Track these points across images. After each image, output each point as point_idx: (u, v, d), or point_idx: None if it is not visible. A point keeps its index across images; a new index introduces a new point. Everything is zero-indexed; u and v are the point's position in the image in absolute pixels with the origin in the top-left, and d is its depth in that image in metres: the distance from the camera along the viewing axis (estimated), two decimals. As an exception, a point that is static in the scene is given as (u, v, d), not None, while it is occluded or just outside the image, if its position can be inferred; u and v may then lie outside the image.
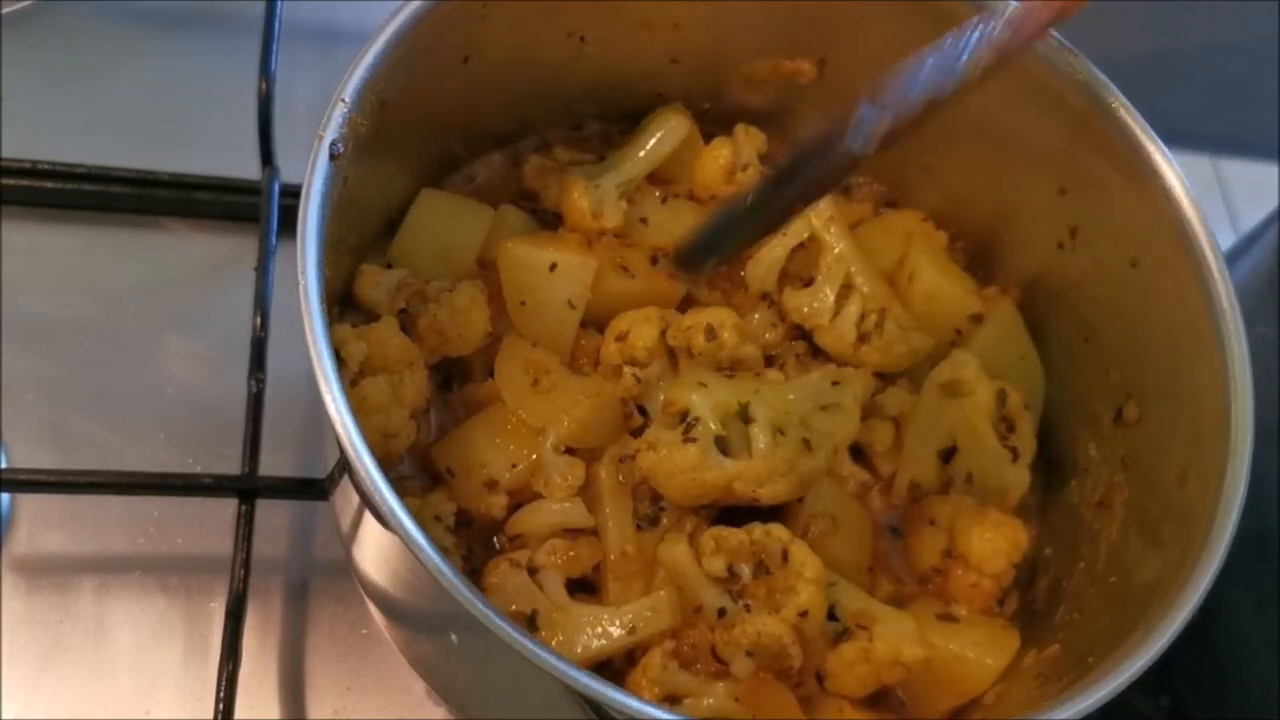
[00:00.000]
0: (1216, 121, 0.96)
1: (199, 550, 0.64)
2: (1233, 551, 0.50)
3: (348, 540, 0.57)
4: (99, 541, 0.63)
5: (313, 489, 0.61)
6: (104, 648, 0.61)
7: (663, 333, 0.60)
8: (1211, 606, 0.49)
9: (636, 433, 0.59)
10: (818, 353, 0.64)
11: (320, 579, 0.65)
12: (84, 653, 0.61)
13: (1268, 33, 0.96)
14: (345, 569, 0.64)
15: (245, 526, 0.61)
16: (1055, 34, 0.59)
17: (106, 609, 0.62)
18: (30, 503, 0.63)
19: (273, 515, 0.64)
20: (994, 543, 0.59)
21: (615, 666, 0.55)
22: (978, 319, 0.65)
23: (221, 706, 0.56)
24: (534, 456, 0.57)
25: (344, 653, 0.63)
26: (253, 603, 0.60)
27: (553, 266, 0.60)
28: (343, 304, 0.60)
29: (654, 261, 0.64)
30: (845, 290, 0.63)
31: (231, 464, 0.62)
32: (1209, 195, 0.91)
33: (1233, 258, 0.73)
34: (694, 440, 0.55)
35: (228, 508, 0.62)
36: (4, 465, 0.64)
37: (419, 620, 0.56)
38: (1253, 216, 0.85)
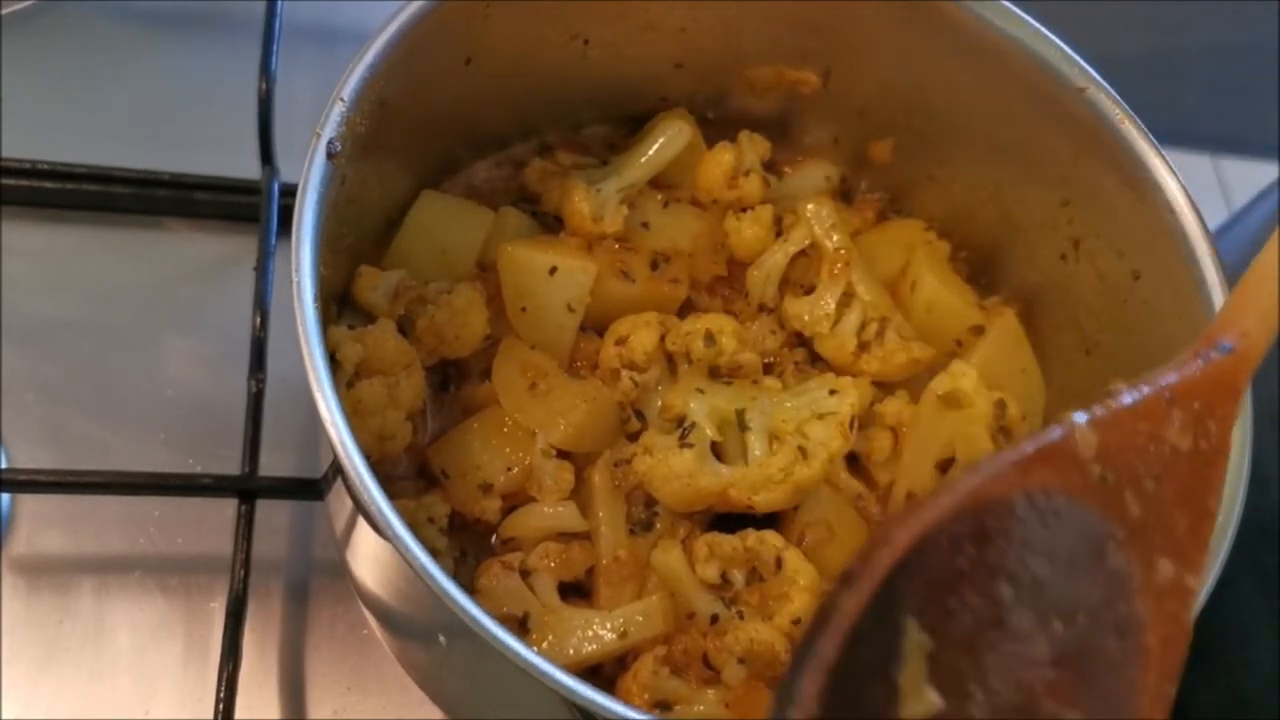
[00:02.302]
0: (1216, 121, 0.96)
1: (199, 550, 0.64)
2: (1234, 552, 0.50)
3: (342, 542, 0.57)
4: (99, 541, 0.64)
5: (312, 489, 0.61)
6: (104, 648, 0.61)
7: (662, 338, 0.60)
8: (1212, 606, 0.48)
9: (633, 437, 0.59)
10: (817, 360, 0.64)
11: (320, 579, 0.65)
12: (84, 653, 0.61)
13: (1268, 33, 0.95)
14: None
15: (245, 527, 0.61)
16: (1059, 42, 0.58)
17: (106, 609, 0.62)
18: (30, 503, 0.64)
19: (273, 515, 0.65)
20: (990, 554, 0.59)
21: (606, 672, 0.55)
22: (979, 330, 0.65)
23: (221, 707, 0.56)
24: (529, 460, 0.57)
25: (344, 653, 0.64)
26: (252, 603, 0.60)
27: (553, 270, 0.60)
28: (341, 303, 0.60)
29: (654, 266, 0.64)
30: (846, 299, 0.63)
31: (231, 464, 0.63)
32: (1209, 194, 0.91)
33: (1223, 231, 0.73)
34: (690, 446, 0.55)
35: (228, 508, 0.62)
36: (4, 465, 0.64)
37: (410, 622, 0.56)
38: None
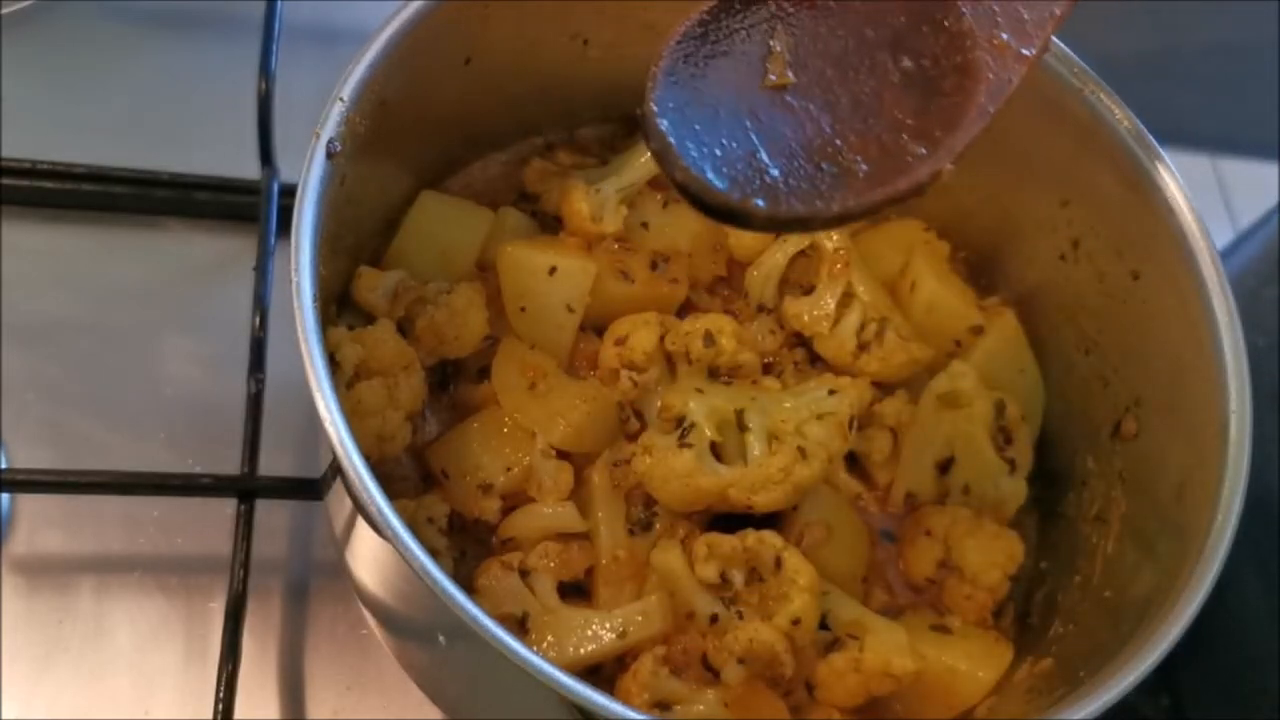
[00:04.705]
0: (1216, 121, 0.96)
1: (199, 550, 0.64)
2: (1235, 552, 0.50)
3: (341, 542, 0.58)
4: (99, 541, 0.64)
5: (312, 489, 0.61)
6: (104, 648, 0.61)
7: (661, 338, 0.60)
8: (1214, 606, 0.49)
9: (633, 437, 0.59)
10: (816, 360, 0.64)
11: (320, 579, 0.65)
12: (84, 653, 0.61)
13: (1268, 33, 0.95)
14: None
15: (244, 527, 0.61)
16: (1059, 42, 0.58)
17: (106, 609, 0.62)
18: (30, 503, 0.64)
19: (272, 515, 0.65)
20: (990, 555, 0.59)
21: (606, 672, 0.55)
22: (978, 330, 0.65)
23: (221, 706, 0.57)
24: (528, 460, 0.57)
25: (344, 653, 0.64)
26: (252, 603, 0.60)
27: (552, 270, 0.60)
28: (341, 304, 0.60)
29: (654, 266, 0.64)
30: (846, 299, 0.63)
31: (231, 464, 0.63)
32: (1208, 195, 0.91)
33: (1226, 255, 0.73)
34: (689, 446, 0.55)
35: (227, 508, 0.62)
36: (4, 465, 0.64)
37: (410, 622, 0.56)
38: (1252, 216, 0.84)
